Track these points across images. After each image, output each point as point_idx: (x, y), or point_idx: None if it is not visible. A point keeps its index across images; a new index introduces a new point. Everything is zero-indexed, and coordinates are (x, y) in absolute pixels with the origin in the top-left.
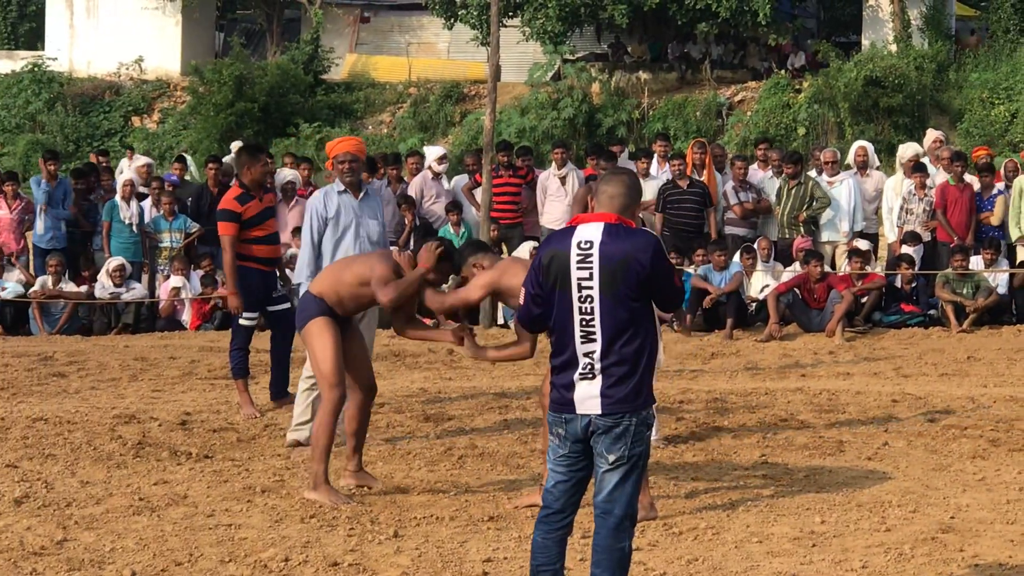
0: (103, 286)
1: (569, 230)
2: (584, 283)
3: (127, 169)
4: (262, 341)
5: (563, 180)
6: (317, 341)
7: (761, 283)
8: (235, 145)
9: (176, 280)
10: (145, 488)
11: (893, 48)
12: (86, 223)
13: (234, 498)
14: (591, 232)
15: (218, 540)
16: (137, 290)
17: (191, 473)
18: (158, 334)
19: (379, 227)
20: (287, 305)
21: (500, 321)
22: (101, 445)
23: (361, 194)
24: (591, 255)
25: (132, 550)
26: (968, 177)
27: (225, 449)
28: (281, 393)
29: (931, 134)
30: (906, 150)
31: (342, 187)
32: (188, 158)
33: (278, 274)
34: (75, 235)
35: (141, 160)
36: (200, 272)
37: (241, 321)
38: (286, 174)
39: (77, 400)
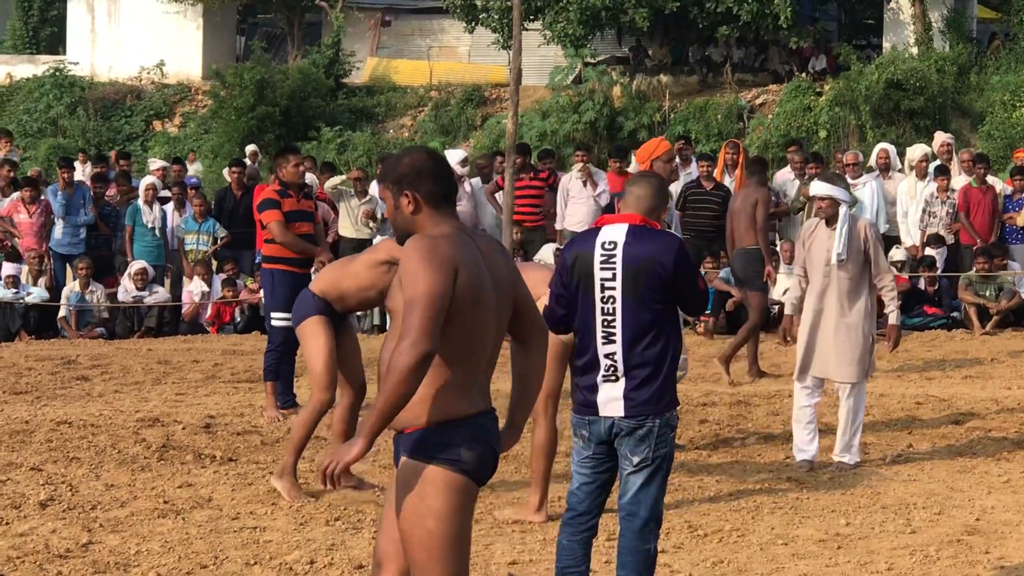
0: (126, 290)
1: (594, 231)
2: (607, 284)
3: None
4: None
5: (584, 183)
6: (311, 342)
7: (784, 285)
8: (249, 149)
9: (199, 284)
10: (170, 491)
11: (914, 51)
12: (105, 228)
13: (259, 501)
14: (615, 233)
15: (243, 543)
16: (160, 294)
17: (215, 476)
18: (181, 337)
19: None
20: None
21: None
22: (125, 448)
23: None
24: (614, 256)
25: (157, 553)
26: (990, 179)
27: (249, 452)
28: (290, 403)
29: (939, 137)
30: (915, 151)
31: None
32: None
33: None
34: (99, 239)
35: (157, 163)
36: (222, 276)
37: (273, 322)
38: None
39: (101, 403)
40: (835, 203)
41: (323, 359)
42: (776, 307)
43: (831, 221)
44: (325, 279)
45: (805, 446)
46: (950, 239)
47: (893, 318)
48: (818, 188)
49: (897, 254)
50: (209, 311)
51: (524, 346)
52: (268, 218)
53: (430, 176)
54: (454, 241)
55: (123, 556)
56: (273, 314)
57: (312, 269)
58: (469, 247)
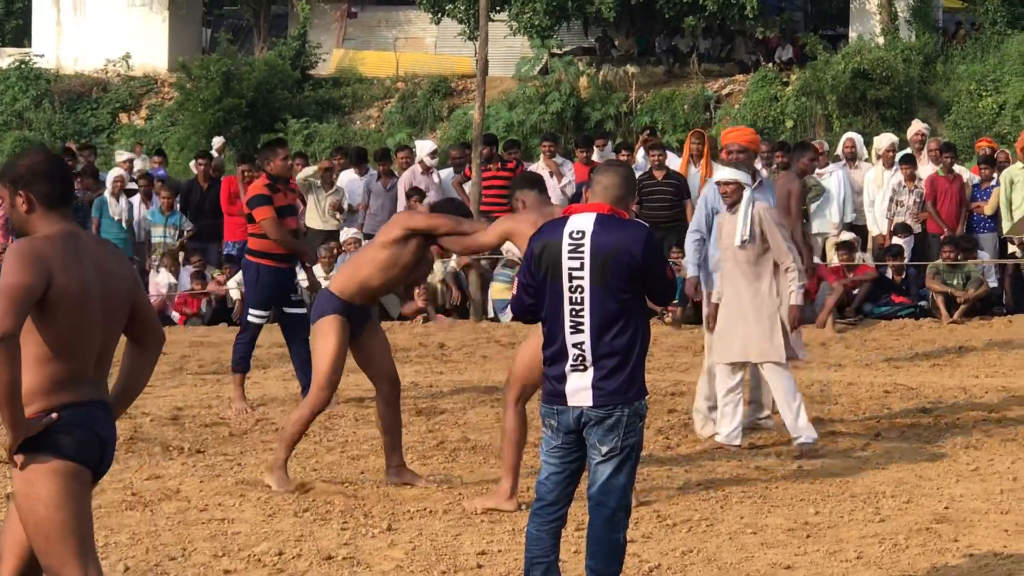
0: None
1: (562, 220)
2: (575, 273)
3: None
4: (268, 334)
5: (551, 173)
6: (322, 340)
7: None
8: (216, 141)
9: (166, 276)
10: (137, 483)
11: (880, 40)
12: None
13: (227, 492)
14: (583, 222)
15: (211, 535)
16: None
17: (183, 468)
18: None
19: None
20: (303, 310)
21: (491, 315)
22: None
23: (755, 183)
24: (583, 245)
25: (125, 545)
26: (957, 168)
27: (217, 444)
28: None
29: (915, 125)
30: (882, 140)
31: None
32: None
33: (303, 274)
34: None
35: (124, 155)
36: (191, 268)
37: (250, 317)
38: None
39: None
40: (740, 188)
41: (329, 359)
42: None
43: (735, 206)
44: (341, 277)
45: (726, 421)
46: (917, 228)
47: (793, 298)
48: (723, 173)
49: (845, 235)
50: (176, 300)
51: (139, 347)
52: (261, 215)
53: (46, 178)
54: (56, 244)
55: None
56: (251, 310)
57: (296, 265)
58: (73, 250)
